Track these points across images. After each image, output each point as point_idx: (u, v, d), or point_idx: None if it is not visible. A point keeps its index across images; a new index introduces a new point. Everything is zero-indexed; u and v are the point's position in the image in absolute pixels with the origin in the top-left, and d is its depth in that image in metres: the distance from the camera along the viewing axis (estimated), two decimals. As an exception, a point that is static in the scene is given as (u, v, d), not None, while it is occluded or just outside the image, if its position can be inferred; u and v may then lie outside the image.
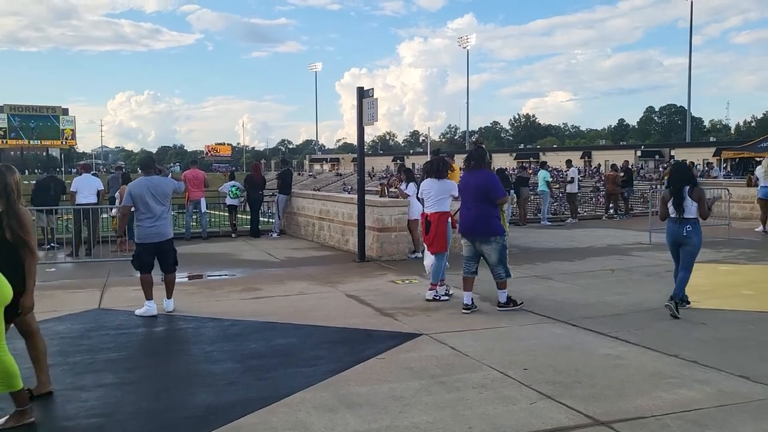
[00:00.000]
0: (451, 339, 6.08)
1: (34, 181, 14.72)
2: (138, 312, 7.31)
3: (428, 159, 16.51)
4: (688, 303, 7.26)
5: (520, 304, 7.37)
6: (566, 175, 22.78)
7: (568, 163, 22.60)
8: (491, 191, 7.22)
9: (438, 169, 8.01)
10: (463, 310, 7.23)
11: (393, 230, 11.26)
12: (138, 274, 7.50)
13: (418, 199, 11.89)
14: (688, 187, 7.04)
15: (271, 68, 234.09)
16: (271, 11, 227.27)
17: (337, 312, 7.42)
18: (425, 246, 8.26)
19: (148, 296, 7.35)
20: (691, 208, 7.01)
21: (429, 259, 8.11)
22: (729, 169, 43.03)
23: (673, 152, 60.08)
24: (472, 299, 7.31)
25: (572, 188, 20.19)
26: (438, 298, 7.82)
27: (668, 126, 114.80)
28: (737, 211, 17.52)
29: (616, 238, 14.29)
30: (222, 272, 10.54)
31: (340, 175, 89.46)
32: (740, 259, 11.07)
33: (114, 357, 5.84)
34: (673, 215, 7.14)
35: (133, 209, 7.55)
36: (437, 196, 7.83)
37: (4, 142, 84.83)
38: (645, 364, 5.29)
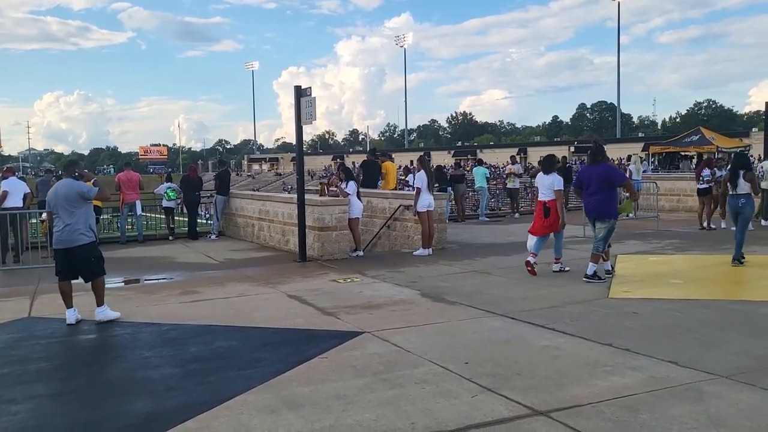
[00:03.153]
0: (393, 336, 6.12)
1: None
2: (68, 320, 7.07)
3: (365, 158, 16.64)
4: (744, 258, 9.48)
5: (602, 280, 8.53)
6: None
7: (513, 159, 23.15)
8: (614, 178, 8.83)
9: (548, 164, 9.51)
10: (600, 279, 8.57)
11: (334, 229, 11.24)
12: None
13: (358, 197, 11.93)
14: (743, 171, 9.56)
15: (207, 67, 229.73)
16: (206, 10, 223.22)
17: (279, 313, 7.36)
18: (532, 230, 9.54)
19: (66, 305, 7.10)
20: (743, 186, 9.54)
21: (532, 240, 9.47)
22: (657, 163, 44.71)
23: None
24: (594, 271, 8.62)
25: (515, 184, 20.63)
26: (563, 270, 9.28)
27: (600, 122, 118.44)
28: (665, 203, 18.27)
29: (551, 232, 14.63)
30: (159, 276, 10.30)
31: (280, 174, 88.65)
32: (668, 250, 11.54)
33: (46, 367, 5.63)
34: (731, 192, 9.69)
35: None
36: (550, 187, 9.24)
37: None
38: (581, 353, 5.46)
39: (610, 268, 9.05)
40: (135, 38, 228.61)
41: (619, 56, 72.57)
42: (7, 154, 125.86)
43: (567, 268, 9.29)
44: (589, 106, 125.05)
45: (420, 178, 11.76)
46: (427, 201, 11.61)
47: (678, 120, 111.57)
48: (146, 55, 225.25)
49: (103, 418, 4.43)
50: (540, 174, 9.65)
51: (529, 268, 9.11)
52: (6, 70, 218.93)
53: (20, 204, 12.42)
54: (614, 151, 49.25)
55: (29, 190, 13.16)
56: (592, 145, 9.23)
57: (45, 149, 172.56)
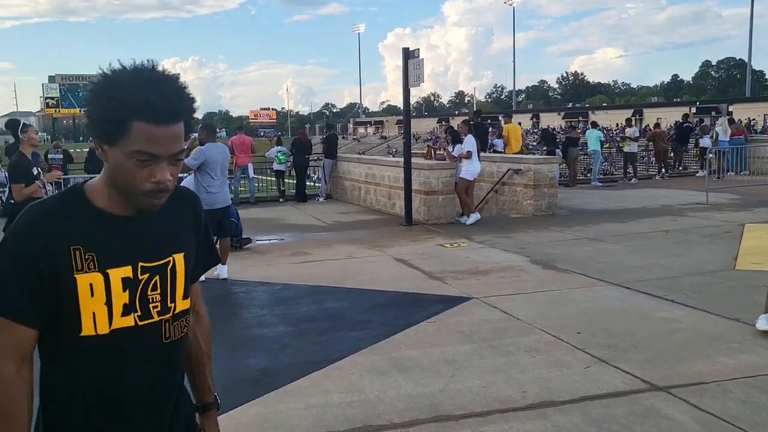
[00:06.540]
0: (501, 302, 6.02)
1: (87, 150, 15.07)
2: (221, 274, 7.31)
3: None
4: None
5: None
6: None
7: (628, 122, 22.14)
8: None
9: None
10: None
11: (440, 193, 11.15)
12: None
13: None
14: None
15: (314, 31, 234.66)
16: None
17: (386, 275, 7.42)
18: None
19: (223, 261, 7.37)
20: None
21: None
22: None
23: (731, 108, 57.65)
24: None
25: (632, 148, 19.60)
26: None
27: (726, 81, 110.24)
28: (800, 168, 16.78)
29: (670, 198, 13.86)
30: (271, 237, 10.66)
31: (384, 138, 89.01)
32: (803, 219, 10.61)
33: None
34: None
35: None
36: None
37: (57, 111, 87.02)
38: (704, 328, 5.15)
39: None
40: (245, 4, 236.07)
41: (753, 5, 66.39)
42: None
43: None
44: (714, 64, 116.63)
45: (471, 142, 11.22)
46: (479, 168, 11.28)
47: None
48: (255, 21, 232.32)
49: (222, 371, 4.61)
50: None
51: None
52: (128, 39, 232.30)
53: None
54: (742, 111, 45.78)
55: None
56: None
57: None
